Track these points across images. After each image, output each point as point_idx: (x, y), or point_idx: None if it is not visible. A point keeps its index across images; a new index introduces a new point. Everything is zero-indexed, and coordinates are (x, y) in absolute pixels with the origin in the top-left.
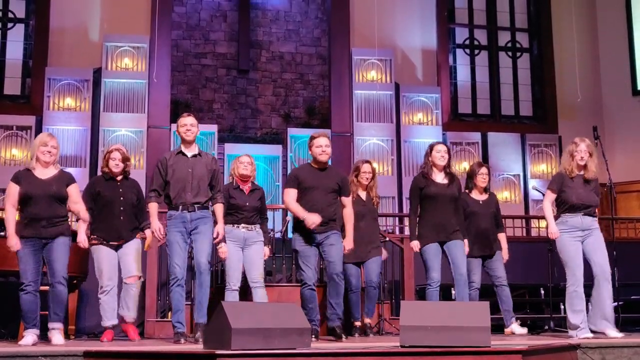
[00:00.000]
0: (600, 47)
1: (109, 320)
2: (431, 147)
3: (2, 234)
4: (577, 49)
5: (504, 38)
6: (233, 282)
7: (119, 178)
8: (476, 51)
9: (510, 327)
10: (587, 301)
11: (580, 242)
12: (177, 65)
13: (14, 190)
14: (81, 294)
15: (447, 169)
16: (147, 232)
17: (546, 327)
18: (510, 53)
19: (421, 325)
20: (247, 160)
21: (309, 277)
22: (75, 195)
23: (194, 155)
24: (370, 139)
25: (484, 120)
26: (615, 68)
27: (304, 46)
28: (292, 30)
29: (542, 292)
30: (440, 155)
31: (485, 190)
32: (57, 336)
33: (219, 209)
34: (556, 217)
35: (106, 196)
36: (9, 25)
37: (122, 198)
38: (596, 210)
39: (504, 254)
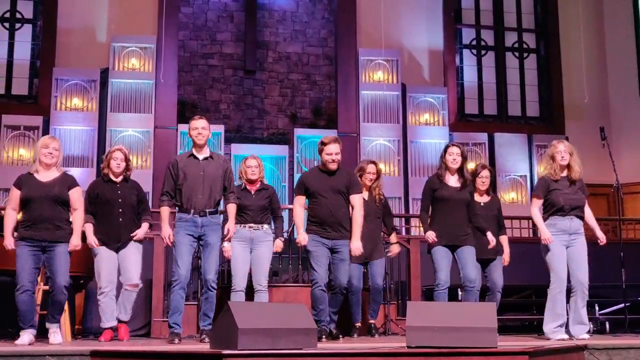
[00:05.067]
0: (607, 47)
1: (108, 321)
2: (445, 148)
3: None
4: (584, 50)
5: (510, 38)
6: (238, 283)
7: (119, 180)
8: (483, 52)
9: None
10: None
11: (565, 247)
12: (184, 66)
13: (15, 195)
14: (87, 293)
15: (460, 172)
16: (144, 224)
17: None
18: (517, 54)
19: (428, 326)
20: (254, 163)
21: (320, 277)
22: (75, 199)
23: (206, 158)
24: (377, 140)
25: (490, 121)
26: (622, 69)
27: (311, 47)
28: (299, 31)
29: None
30: (452, 159)
31: (488, 192)
32: (54, 335)
33: (231, 208)
34: (544, 219)
35: (105, 198)
36: (17, 25)
37: (120, 200)
38: (586, 207)
39: (505, 257)
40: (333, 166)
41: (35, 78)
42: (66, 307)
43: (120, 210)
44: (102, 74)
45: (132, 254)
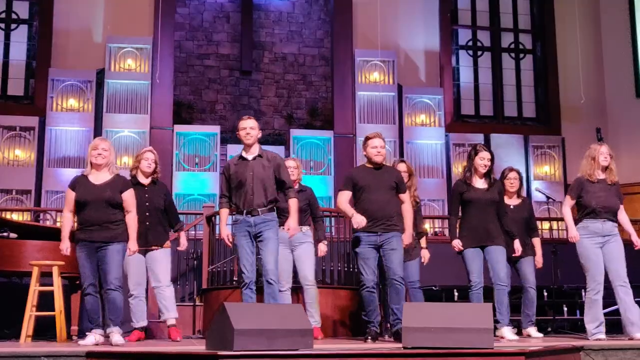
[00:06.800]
0: (603, 48)
1: (138, 322)
2: (476, 151)
3: (5, 234)
4: (580, 51)
5: (507, 39)
6: (282, 283)
7: (147, 183)
8: (479, 52)
9: (527, 330)
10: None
11: (600, 248)
12: (180, 67)
13: (70, 197)
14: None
15: (487, 175)
16: (182, 234)
17: (549, 329)
18: (513, 54)
19: (424, 327)
20: (293, 164)
21: (368, 279)
22: (128, 202)
23: (254, 158)
24: None
25: (486, 122)
26: (619, 70)
27: (307, 47)
28: (295, 32)
29: (546, 294)
30: (483, 164)
31: (518, 195)
32: (116, 336)
33: (292, 203)
34: (577, 221)
35: None
36: (13, 26)
37: (147, 203)
38: (622, 212)
39: (538, 259)
40: (379, 159)
41: (31, 79)
42: (62, 307)
43: (147, 213)
44: (98, 75)
45: (162, 257)
